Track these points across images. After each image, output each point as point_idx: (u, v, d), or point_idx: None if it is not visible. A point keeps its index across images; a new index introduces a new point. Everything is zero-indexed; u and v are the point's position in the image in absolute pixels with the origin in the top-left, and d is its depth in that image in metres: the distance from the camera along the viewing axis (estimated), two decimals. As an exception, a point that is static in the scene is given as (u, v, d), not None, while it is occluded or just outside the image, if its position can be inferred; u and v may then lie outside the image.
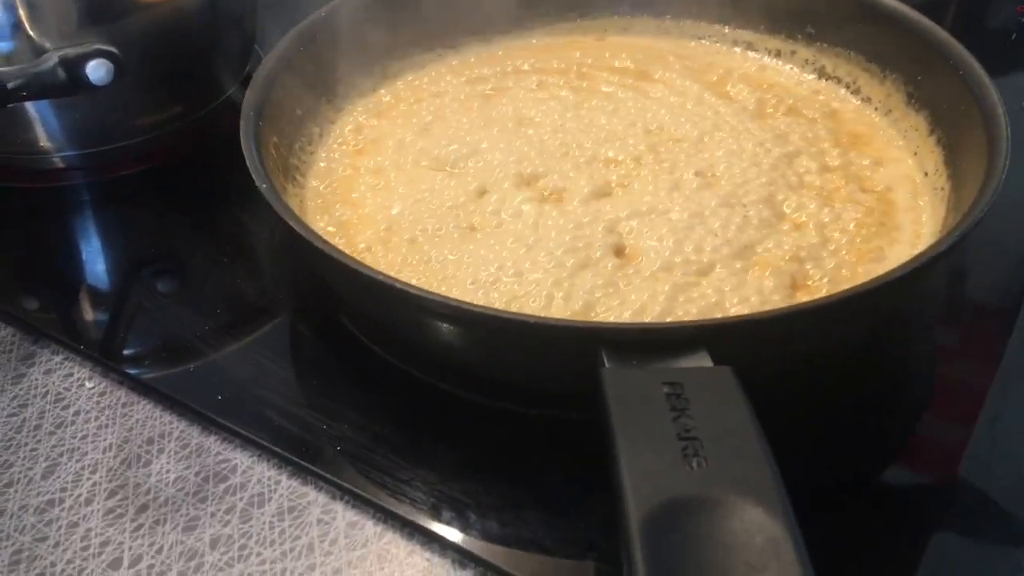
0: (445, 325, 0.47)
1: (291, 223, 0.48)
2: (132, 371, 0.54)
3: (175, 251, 0.64)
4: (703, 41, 0.73)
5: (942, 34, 0.60)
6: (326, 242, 0.47)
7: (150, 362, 0.55)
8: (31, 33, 0.60)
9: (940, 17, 0.63)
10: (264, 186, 0.51)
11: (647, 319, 0.49)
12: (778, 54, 0.70)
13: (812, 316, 0.42)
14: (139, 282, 0.62)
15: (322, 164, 0.63)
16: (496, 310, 0.45)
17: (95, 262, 0.64)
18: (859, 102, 0.66)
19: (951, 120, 0.58)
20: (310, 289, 0.59)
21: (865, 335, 0.50)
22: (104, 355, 0.55)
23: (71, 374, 0.55)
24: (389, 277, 0.45)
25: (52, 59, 0.59)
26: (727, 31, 0.72)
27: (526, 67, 0.71)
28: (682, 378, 0.37)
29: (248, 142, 0.54)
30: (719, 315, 0.49)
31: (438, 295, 0.44)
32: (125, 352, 0.56)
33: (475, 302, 0.47)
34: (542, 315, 0.49)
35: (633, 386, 0.37)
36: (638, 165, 0.60)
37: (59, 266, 0.63)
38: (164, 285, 0.62)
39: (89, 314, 0.59)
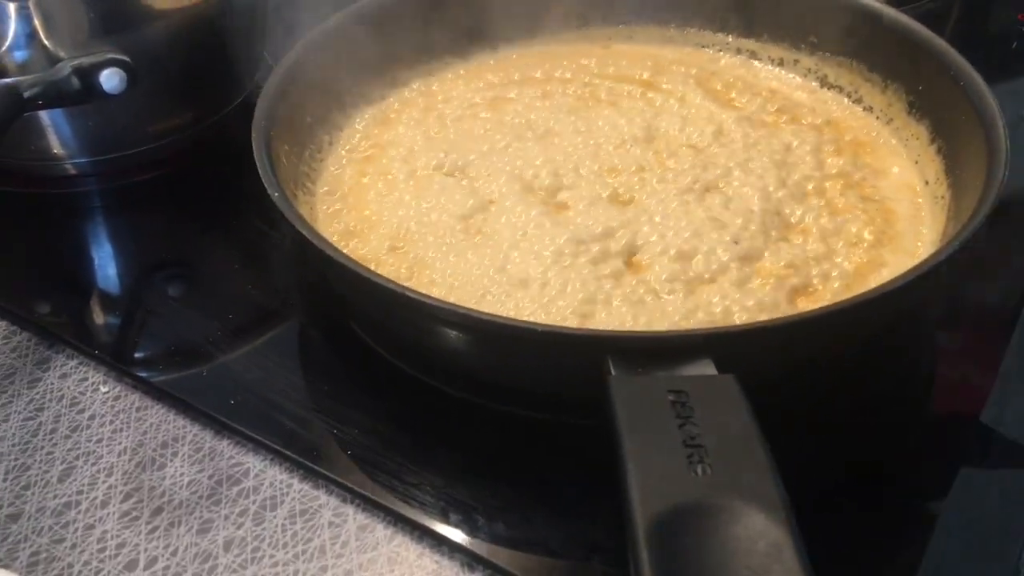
0: (454, 333, 0.48)
1: (303, 231, 0.49)
2: (146, 375, 0.55)
3: (186, 257, 0.65)
4: (707, 50, 0.74)
5: (942, 45, 0.61)
6: (338, 251, 0.48)
7: (164, 367, 0.56)
8: (46, 43, 0.61)
9: (941, 25, 0.64)
10: (276, 194, 0.52)
11: (653, 327, 0.50)
12: (781, 63, 0.71)
13: (815, 325, 0.43)
14: (151, 287, 0.63)
15: (332, 171, 0.64)
16: (505, 318, 0.46)
17: (107, 268, 0.65)
18: (861, 111, 0.67)
19: (952, 130, 0.59)
20: (320, 294, 0.60)
21: (866, 342, 0.51)
22: (118, 360, 0.56)
23: (86, 378, 0.56)
24: (400, 286, 0.46)
25: (66, 68, 0.60)
26: (730, 40, 0.73)
27: (532, 75, 0.72)
28: (687, 386, 0.38)
29: (260, 151, 0.55)
30: (723, 323, 0.49)
31: (449, 304, 0.45)
32: (139, 357, 0.57)
33: (483, 310, 0.48)
34: (549, 323, 0.50)
35: (640, 394, 0.38)
36: (643, 173, 0.61)
37: (73, 272, 0.64)
38: (176, 290, 0.63)
39: (103, 319, 0.60)
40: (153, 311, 0.60)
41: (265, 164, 0.54)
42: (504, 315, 0.50)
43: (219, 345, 0.57)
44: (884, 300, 0.44)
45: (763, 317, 0.50)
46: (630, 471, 0.34)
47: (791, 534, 0.31)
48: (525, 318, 0.51)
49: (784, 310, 0.51)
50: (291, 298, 0.61)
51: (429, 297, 0.45)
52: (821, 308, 0.45)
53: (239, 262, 0.64)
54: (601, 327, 0.50)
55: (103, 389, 0.55)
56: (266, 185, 0.52)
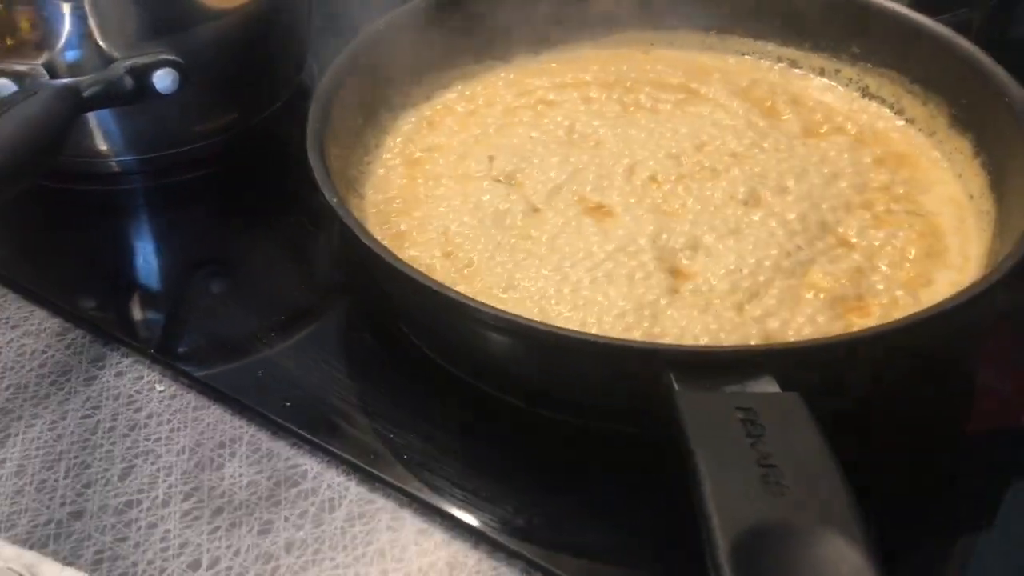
0: (511, 341, 0.49)
1: (364, 239, 0.50)
2: (201, 375, 0.56)
3: (233, 255, 0.66)
4: (747, 57, 0.74)
5: (985, 59, 0.61)
6: (400, 260, 0.49)
7: (218, 366, 0.57)
8: (100, 43, 0.62)
9: (965, 27, 0.64)
10: (334, 200, 0.52)
11: (703, 340, 0.50)
12: (822, 72, 0.72)
13: (880, 341, 0.44)
14: (203, 286, 0.64)
15: (380, 173, 0.64)
16: (566, 330, 0.46)
17: (157, 266, 0.66)
18: (903, 123, 0.67)
19: (996, 144, 0.60)
20: (371, 297, 0.61)
21: (921, 359, 0.51)
22: (172, 358, 0.57)
23: (141, 377, 0.57)
24: (459, 294, 0.47)
25: (121, 68, 0.61)
26: (771, 48, 0.73)
27: (574, 79, 0.73)
28: (754, 403, 0.39)
29: (315, 156, 0.55)
30: (776, 339, 0.50)
31: (515, 315, 0.46)
32: (193, 356, 0.57)
33: (534, 318, 0.49)
34: (603, 333, 0.50)
35: (709, 410, 0.39)
36: (687, 182, 0.61)
37: (125, 270, 0.65)
38: (225, 288, 0.63)
39: (156, 317, 0.61)
40: (205, 310, 0.61)
41: (321, 169, 0.55)
42: (557, 324, 0.51)
43: (272, 346, 0.58)
44: (944, 317, 0.44)
45: (813, 331, 0.51)
46: (707, 490, 0.34)
47: (871, 559, 0.32)
48: (573, 327, 0.51)
49: (834, 325, 0.51)
50: (343, 299, 0.62)
51: (496, 309, 0.46)
52: (891, 323, 0.45)
53: (286, 261, 0.65)
54: (651, 338, 0.51)
55: (159, 388, 0.56)
56: (323, 190, 0.53)
